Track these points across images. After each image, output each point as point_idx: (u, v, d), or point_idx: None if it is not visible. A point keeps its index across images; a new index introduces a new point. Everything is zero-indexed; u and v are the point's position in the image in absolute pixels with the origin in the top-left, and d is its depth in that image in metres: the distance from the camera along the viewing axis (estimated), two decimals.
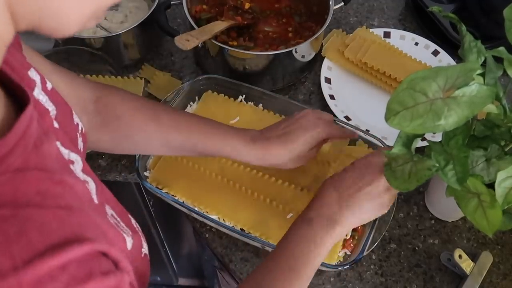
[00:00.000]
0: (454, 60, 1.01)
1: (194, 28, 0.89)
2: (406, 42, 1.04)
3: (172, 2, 0.95)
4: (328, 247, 0.64)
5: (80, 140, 0.55)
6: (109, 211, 0.48)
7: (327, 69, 1.00)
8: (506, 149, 0.66)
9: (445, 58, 1.02)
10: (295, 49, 0.91)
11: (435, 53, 1.03)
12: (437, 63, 1.01)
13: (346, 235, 0.76)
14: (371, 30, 1.05)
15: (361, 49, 0.99)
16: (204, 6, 1.02)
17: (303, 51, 0.94)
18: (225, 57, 0.92)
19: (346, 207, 0.65)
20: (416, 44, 1.04)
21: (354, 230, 0.77)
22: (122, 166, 0.89)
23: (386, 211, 0.68)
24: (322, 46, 1.02)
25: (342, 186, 0.66)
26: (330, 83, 0.99)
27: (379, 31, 1.05)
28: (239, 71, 0.94)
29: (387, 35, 1.05)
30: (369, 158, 0.69)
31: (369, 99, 0.98)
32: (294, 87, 1.00)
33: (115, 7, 1.05)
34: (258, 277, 0.62)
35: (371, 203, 0.66)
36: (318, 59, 1.02)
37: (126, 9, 1.04)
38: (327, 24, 0.92)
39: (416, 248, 0.81)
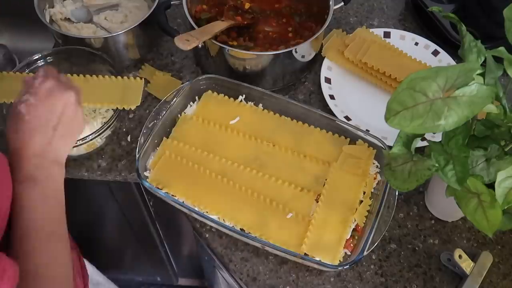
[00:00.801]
0: (454, 60, 1.01)
1: (194, 28, 0.89)
2: (406, 42, 1.04)
3: (172, 2, 0.95)
4: (60, 186, 0.64)
5: None
6: None
7: (327, 69, 1.00)
8: (506, 149, 0.66)
9: (445, 58, 1.02)
10: (295, 49, 0.91)
11: (435, 53, 1.03)
12: (437, 63, 1.01)
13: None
14: (371, 30, 1.05)
15: (361, 49, 0.99)
16: (204, 6, 1.02)
17: (303, 51, 0.94)
18: (225, 57, 0.92)
19: (58, 140, 0.65)
20: (416, 44, 1.04)
21: (354, 230, 0.78)
22: (122, 166, 0.89)
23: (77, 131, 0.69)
24: (322, 46, 1.02)
25: (41, 124, 0.64)
26: (330, 83, 0.99)
27: (379, 31, 1.05)
28: (239, 71, 0.94)
29: (387, 35, 1.05)
30: (42, 84, 0.66)
31: (369, 99, 0.98)
32: (294, 87, 1.00)
33: (115, 7, 1.05)
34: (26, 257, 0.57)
35: (74, 122, 0.67)
36: (318, 59, 1.02)
37: (126, 9, 1.04)
38: (327, 24, 0.92)
39: (416, 248, 0.81)
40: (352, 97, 0.98)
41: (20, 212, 0.59)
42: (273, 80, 0.97)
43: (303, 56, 0.95)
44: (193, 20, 0.91)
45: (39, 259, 0.57)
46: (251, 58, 0.91)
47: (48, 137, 0.64)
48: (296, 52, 0.92)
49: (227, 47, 0.89)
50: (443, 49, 1.03)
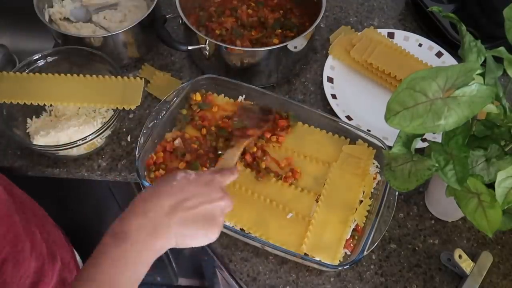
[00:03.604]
0: (457, 61, 1.00)
1: (195, 35, 0.90)
2: (410, 43, 1.04)
3: (167, 16, 0.96)
4: (147, 263, 0.55)
5: None
6: None
7: (330, 68, 1.00)
8: (506, 149, 0.66)
9: (448, 60, 1.01)
10: (292, 43, 0.91)
11: (439, 54, 1.02)
12: (441, 65, 1.00)
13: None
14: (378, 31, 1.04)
15: (367, 49, 0.99)
16: (201, 13, 1.03)
17: (296, 43, 0.93)
18: (221, 54, 0.93)
19: (178, 223, 0.56)
20: (420, 45, 1.04)
21: (354, 230, 0.78)
22: (122, 166, 0.89)
23: (215, 238, 0.61)
24: (328, 44, 1.02)
25: (180, 197, 0.58)
26: (332, 82, 0.98)
27: (383, 32, 1.05)
28: (236, 67, 0.94)
29: (390, 36, 1.05)
30: (216, 176, 0.64)
31: (371, 99, 0.98)
32: (294, 87, 1.00)
33: (114, 6, 1.05)
34: None
35: (206, 224, 0.59)
36: (318, 59, 1.02)
37: (125, 8, 1.04)
38: (321, 16, 0.93)
39: (416, 248, 0.81)
40: (354, 97, 0.98)
41: (93, 256, 0.54)
42: (269, 75, 0.97)
43: (295, 47, 0.94)
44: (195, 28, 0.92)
45: None
46: (248, 54, 0.92)
47: (174, 212, 0.57)
48: (295, 48, 0.92)
49: (225, 45, 0.90)
50: (443, 49, 1.02)
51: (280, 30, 1.00)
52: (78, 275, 0.55)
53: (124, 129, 0.93)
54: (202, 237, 0.60)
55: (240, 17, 1.01)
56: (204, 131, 0.86)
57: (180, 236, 0.58)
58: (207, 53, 0.92)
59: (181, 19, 0.93)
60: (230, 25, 1.00)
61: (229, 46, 0.92)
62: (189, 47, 0.91)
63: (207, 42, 0.90)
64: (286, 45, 0.91)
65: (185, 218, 0.57)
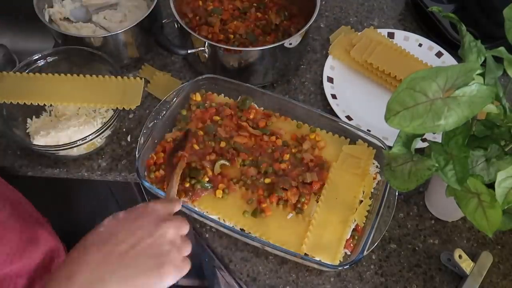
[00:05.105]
0: (457, 61, 1.00)
1: (188, 35, 0.90)
2: (410, 43, 1.04)
3: (163, 21, 0.97)
4: None
5: None
6: None
7: (330, 68, 1.00)
8: (506, 149, 0.66)
9: (448, 60, 1.01)
10: (289, 41, 0.91)
11: (439, 54, 1.02)
12: (441, 65, 1.00)
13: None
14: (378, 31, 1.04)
15: (367, 49, 0.99)
16: (190, 15, 1.03)
17: (292, 40, 0.93)
18: (218, 56, 0.92)
19: (117, 275, 0.49)
20: (420, 45, 1.04)
21: (354, 230, 0.78)
22: (122, 166, 0.89)
23: (179, 275, 0.53)
24: (328, 44, 1.02)
25: (110, 243, 0.51)
26: (332, 82, 0.99)
27: (383, 32, 1.05)
28: (234, 67, 0.93)
29: (390, 36, 1.05)
30: (150, 205, 0.55)
31: (371, 99, 0.98)
32: (294, 87, 1.00)
33: (114, 6, 1.05)
34: None
35: (153, 261, 0.51)
36: (319, 59, 1.01)
37: (125, 8, 1.04)
38: (316, 12, 0.93)
39: (416, 248, 0.81)
40: (354, 97, 0.98)
41: None
42: (265, 73, 0.96)
43: (290, 44, 0.94)
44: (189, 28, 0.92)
45: None
46: (244, 53, 0.91)
47: (105, 265, 0.50)
48: (290, 44, 0.92)
49: (221, 46, 0.90)
50: (443, 49, 1.02)
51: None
52: None
53: (124, 129, 0.93)
54: (156, 280, 0.51)
55: (249, 20, 1.02)
56: (202, 131, 0.86)
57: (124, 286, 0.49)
58: (206, 55, 0.92)
59: (178, 23, 0.92)
60: (244, 29, 1.00)
61: (230, 47, 0.91)
62: (189, 51, 0.91)
63: (206, 44, 0.90)
64: (283, 43, 0.90)
65: (124, 265, 0.50)
